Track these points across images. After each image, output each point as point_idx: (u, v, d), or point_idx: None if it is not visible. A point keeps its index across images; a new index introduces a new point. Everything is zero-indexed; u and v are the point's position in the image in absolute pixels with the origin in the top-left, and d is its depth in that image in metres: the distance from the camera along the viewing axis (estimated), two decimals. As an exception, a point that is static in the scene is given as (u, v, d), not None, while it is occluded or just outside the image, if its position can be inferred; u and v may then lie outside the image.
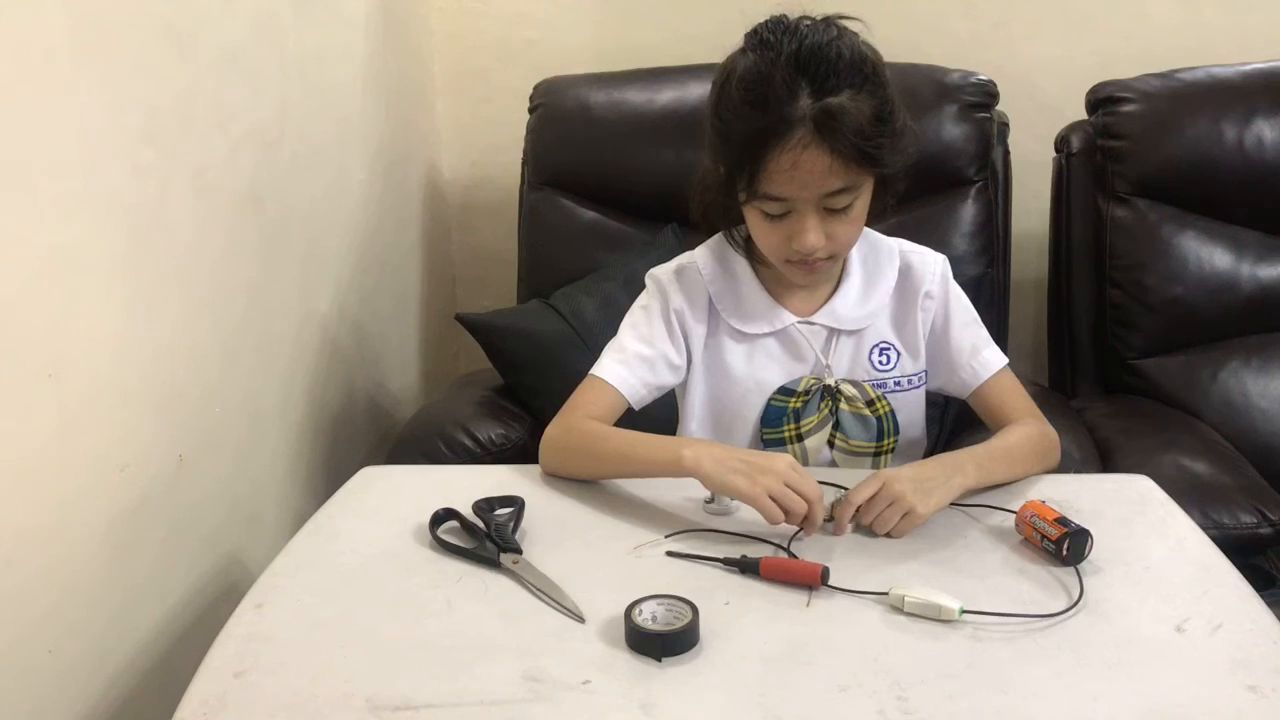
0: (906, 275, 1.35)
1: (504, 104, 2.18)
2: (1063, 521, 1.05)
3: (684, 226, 1.86)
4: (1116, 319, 1.87)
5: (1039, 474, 1.24)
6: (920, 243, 1.38)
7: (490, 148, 2.27)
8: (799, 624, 0.97)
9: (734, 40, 1.21)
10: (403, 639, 0.96)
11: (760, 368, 1.33)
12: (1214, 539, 1.10)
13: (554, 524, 1.15)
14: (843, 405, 1.32)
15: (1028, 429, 1.27)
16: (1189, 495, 1.30)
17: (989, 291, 1.85)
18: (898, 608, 0.97)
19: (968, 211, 1.88)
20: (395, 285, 2.09)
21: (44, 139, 1.08)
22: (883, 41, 1.20)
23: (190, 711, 0.87)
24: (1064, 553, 1.04)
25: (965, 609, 0.96)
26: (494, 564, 1.07)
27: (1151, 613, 0.97)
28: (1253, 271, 1.83)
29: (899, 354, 1.34)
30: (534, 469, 1.28)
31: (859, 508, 1.11)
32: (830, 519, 1.12)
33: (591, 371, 1.31)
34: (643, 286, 1.37)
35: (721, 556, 1.06)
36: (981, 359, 1.34)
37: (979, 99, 1.88)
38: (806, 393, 1.32)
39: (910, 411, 1.35)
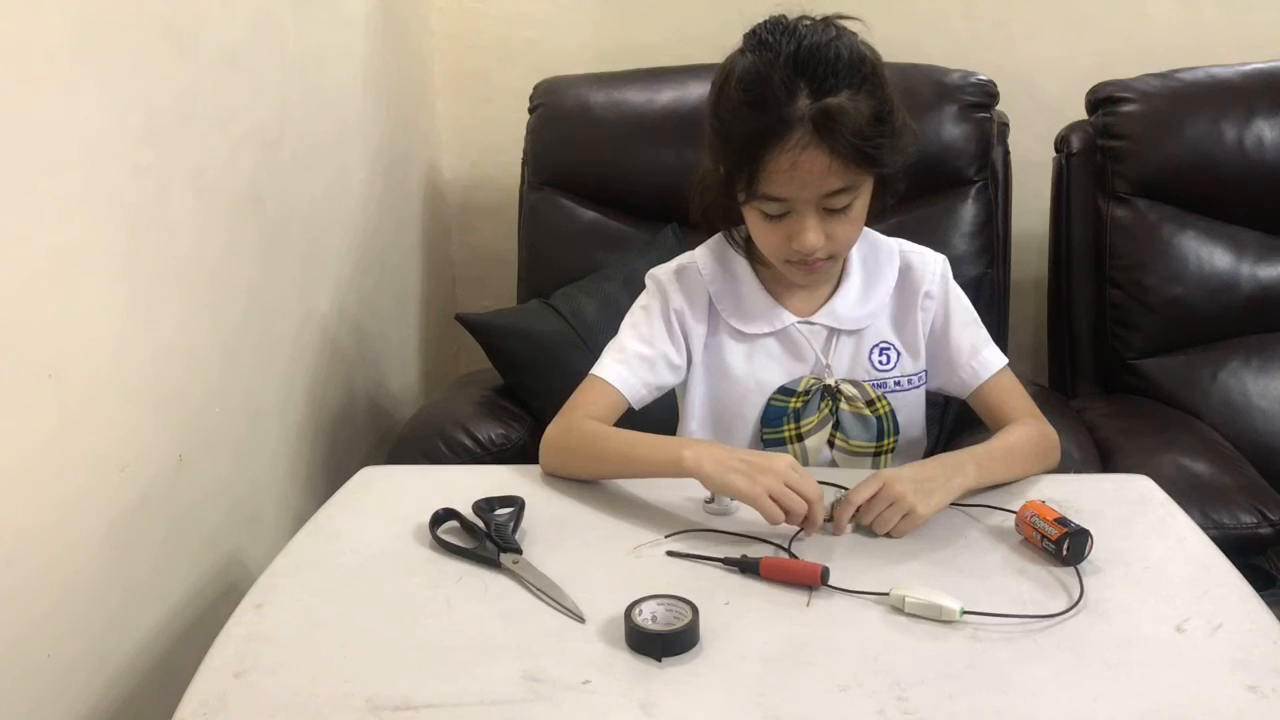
0: (906, 275, 1.35)
1: (504, 104, 2.18)
2: (1063, 521, 1.05)
3: (684, 226, 1.86)
4: (1116, 319, 1.87)
5: (1039, 474, 1.24)
6: (920, 243, 1.38)
7: (490, 148, 2.27)
8: (799, 624, 0.97)
9: (734, 40, 1.20)
10: (403, 639, 0.96)
11: (760, 367, 1.33)
12: (1214, 539, 1.10)
13: (554, 524, 1.15)
14: (843, 405, 1.32)
15: (1027, 429, 1.27)
16: (1189, 495, 1.30)
17: (989, 291, 1.85)
18: (899, 608, 0.97)
19: (968, 211, 1.88)
20: (395, 285, 2.09)
21: (44, 139, 1.08)
22: (882, 41, 1.20)
23: (190, 711, 0.87)
24: (1064, 553, 1.04)
25: (966, 609, 0.96)
26: (494, 564, 1.07)
27: (1151, 613, 0.97)
28: (1253, 271, 1.83)
29: (899, 354, 1.34)
30: (534, 469, 1.28)
31: (859, 508, 1.11)
32: (830, 519, 1.12)
33: (592, 371, 1.31)
34: (643, 286, 1.37)
35: (721, 556, 1.06)
36: (981, 359, 1.34)
37: (979, 99, 1.88)
38: (806, 392, 1.32)
39: (910, 411, 1.35)
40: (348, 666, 0.92)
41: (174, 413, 1.32)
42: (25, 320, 1.06)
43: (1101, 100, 1.88)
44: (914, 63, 1.87)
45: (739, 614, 0.98)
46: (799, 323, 1.32)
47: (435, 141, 2.29)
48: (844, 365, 1.33)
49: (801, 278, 1.28)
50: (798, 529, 1.09)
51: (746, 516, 1.13)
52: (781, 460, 1.10)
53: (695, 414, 1.36)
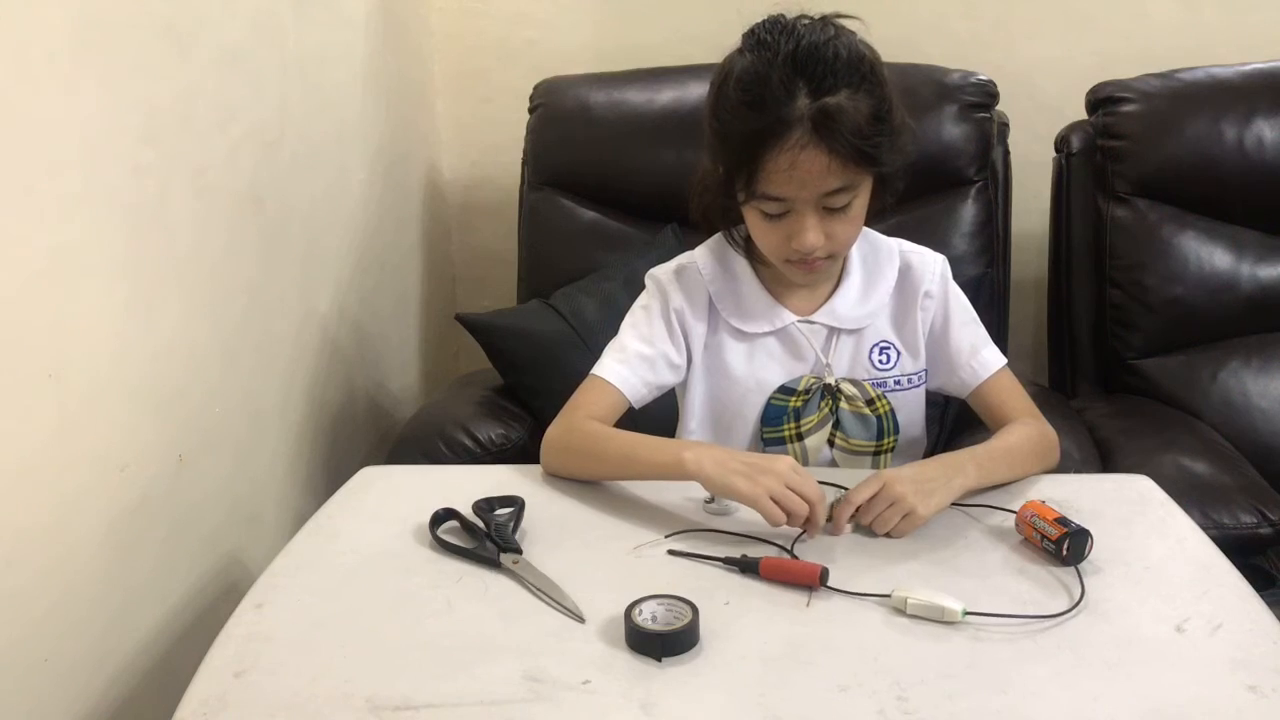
0: (906, 275, 1.35)
1: (504, 104, 2.18)
2: (1063, 521, 1.05)
3: (684, 226, 1.86)
4: (1116, 319, 1.87)
5: (1039, 474, 1.24)
6: (920, 243, 1.39)
7: (490, 148, 2.27)
8: (799, 624, 0.97)
9: (733, 40, 1.21)
10: (403, 639, 0.96)
11: (760, 367, 1.33)
12: (1214, 539, 1.10)
13: (554, 524, 1.15)
14: (843, 404, 1.32)
15: (1027, 429, 1.27)
16: (1189, 495, 1.30)
17: (989, 291, 1.85)
18: (900, 610, 0.97)
19: (968, 211, 1.88)
20: (395, 285, 2.09)
21: (44, 139, 1.08)
22: (882, 41, 1.20)
23: (190, 711, 0.87)
24: (1064, 553, 1.03)
25: (967, 610, 0.96)
26: (494, 564, 1.07)
27: (1151, 613, 0.97)
28: (1253, 271, 1.83)
29: (899, 353, 1.34)
30: (534, 469, 1.28)
31: (859, 508, 1.11)
32: (831, 519, 1.12)
33: (592, 371, 1.31)
34: (643, 286, 1.37)
35: (722, 556, 1.06)
36: (981, 359, 1.34)
37: (979, 99, 1.88)
38: (807, 392, 1.32)
39: (910, 411, 1.35)
40: (348, 666, 0.92)
41: (174, 413, 1.32)
42: (25, 320, 1.06)
43: (1101, 100, 1.88)
44: (914, 63, 1.87)
45: (739, 614, 0.98)
46: (799, 322, 1.32)
47: (435, 141, 2.29)
48: (844, 364, 1.33)
49: (801, 277, 1.28)
50: (800, 530, 1.09)
51: (746, 517, 1.13)
52: (782, 462, 1.10)
53: (695, 413, 1.36)
